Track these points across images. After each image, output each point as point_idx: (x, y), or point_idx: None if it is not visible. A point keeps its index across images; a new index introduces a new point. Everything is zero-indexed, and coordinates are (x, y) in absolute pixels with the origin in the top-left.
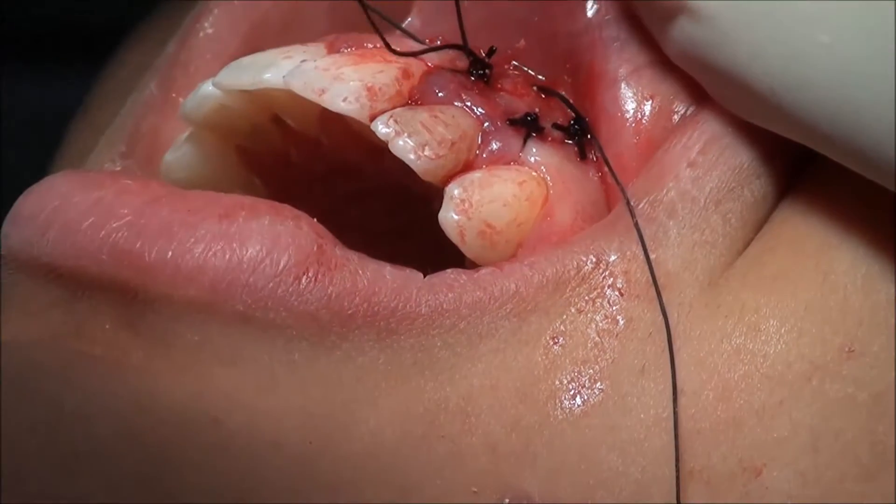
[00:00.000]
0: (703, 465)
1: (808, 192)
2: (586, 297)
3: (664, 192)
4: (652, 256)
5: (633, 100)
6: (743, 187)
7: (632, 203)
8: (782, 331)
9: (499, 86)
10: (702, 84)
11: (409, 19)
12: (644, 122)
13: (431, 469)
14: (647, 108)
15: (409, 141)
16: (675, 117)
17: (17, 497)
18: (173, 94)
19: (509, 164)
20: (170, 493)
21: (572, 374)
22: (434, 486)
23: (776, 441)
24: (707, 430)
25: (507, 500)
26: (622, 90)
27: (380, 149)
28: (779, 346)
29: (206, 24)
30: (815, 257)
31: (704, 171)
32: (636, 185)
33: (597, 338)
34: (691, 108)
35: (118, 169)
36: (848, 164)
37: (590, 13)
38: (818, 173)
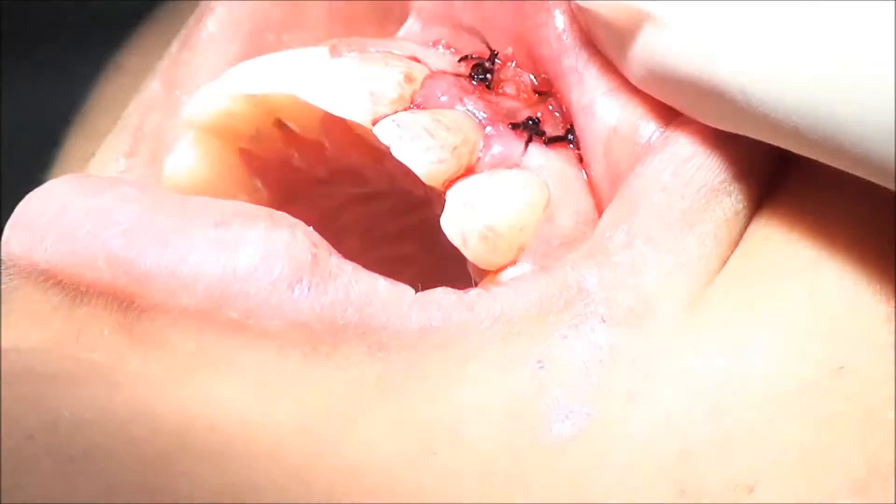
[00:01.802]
0: (695, 485)
1: (786, 207)
2: (569, 324)
3: (638, 218)
4: (631, 283)
5: (597, 128)
6: (716, 207)
7: (607, 233)
8: (769, 349)
9: (501, 89)
10: (668, 101)
11: (409, 21)
12: (613, 152)
13: (425, 487)
14: (615, 136)
15: (412, 145)
16: (639, 143)
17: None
18: (177, 93)
19: (511, 168)
20: (165, 501)
21: (560, 399)
22: None
23: (767, 458)
24: (697, 450)
25: None
26: (585, 119)
27: (382, 153)
28: (766, 365)
29: (208, 23)
30: (800, 274)
31: (677, 195)
32: (610, 214)
33: (581, 364)
34: (657, 133)
35: (122, 169)
36: (826, 160)
37: (552, 38)
38: (793, 187)
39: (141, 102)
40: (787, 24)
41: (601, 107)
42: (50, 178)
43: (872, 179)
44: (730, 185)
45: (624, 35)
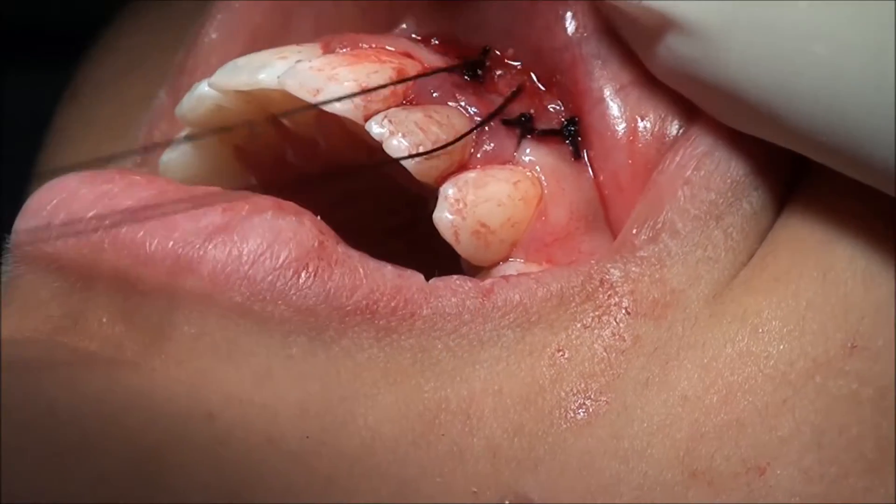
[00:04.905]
0: (706, 467)
1: (806, 199)
2: (592, 315)
3: (664, 213)
4: (656, 276)
5: (622, 119)
6: (741, 200)
7: (634, 230)
8: (784, 330)
9: (493, 86)
10: (692, 99)
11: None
12: (639, 142)
13: (431, 467)
14: (640, 127)
15: (404, 141)
16: (668, 137)
17: (10, 494)
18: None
19: (504, 164)
20: (165, 490)
21: (578, 387)
22: (433, 485)
23: (780, 440)
24: (710, 432)
25: (507, 502)
26: (609, 108)
27: (375, 149)
28: (781, 346)
29: (210, 30)
30: (814, 256)
31: (701, 187)
32: (636, 212)
33: (603, 353)
34: (682, 126)
35: None
36: (845, 171)
37: (569, 29)
38: (815, 178)
39: (150, 112)
40: (802, 40)
41: (628, 96)
42: (43, 169)
43: (880, 188)
44: (755, 178)
45: (649, 34)
